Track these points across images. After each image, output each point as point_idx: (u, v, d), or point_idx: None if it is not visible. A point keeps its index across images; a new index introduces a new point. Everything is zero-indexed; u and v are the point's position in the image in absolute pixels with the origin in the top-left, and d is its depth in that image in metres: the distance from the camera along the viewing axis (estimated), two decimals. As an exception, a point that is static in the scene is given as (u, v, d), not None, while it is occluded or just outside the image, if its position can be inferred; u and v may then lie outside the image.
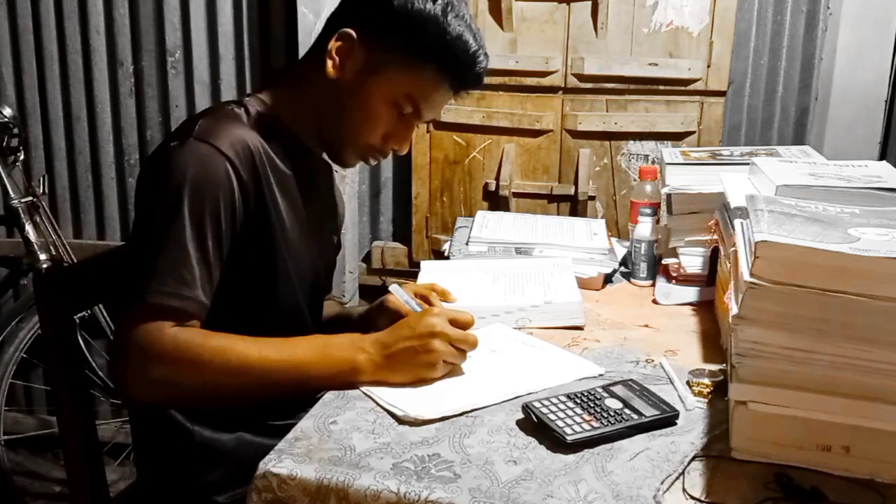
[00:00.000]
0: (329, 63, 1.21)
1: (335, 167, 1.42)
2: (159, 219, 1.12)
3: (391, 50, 1.20)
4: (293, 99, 1.27)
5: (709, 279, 1.51)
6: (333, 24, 1.24)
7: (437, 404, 1.06)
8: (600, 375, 1.16)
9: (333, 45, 1.20)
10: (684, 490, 0.89)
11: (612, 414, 1.01)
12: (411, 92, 1.22)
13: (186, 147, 1.13)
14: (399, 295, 1.26)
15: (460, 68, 1.22)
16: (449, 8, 1.18)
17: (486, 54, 1.23)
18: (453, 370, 1.14)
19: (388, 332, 1.15)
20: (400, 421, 1.03)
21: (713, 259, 1.47)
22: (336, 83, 1.21)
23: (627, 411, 1.02)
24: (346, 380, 1.12)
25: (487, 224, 1.78)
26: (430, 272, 1.52)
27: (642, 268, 1.60)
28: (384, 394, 1.09)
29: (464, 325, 1.16)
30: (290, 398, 1.20)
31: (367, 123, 1.24)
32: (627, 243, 1.70)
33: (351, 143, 1.26)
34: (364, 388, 1.11)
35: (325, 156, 1.34)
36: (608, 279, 1.61)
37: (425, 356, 1.11)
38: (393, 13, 1.18)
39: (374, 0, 1.20)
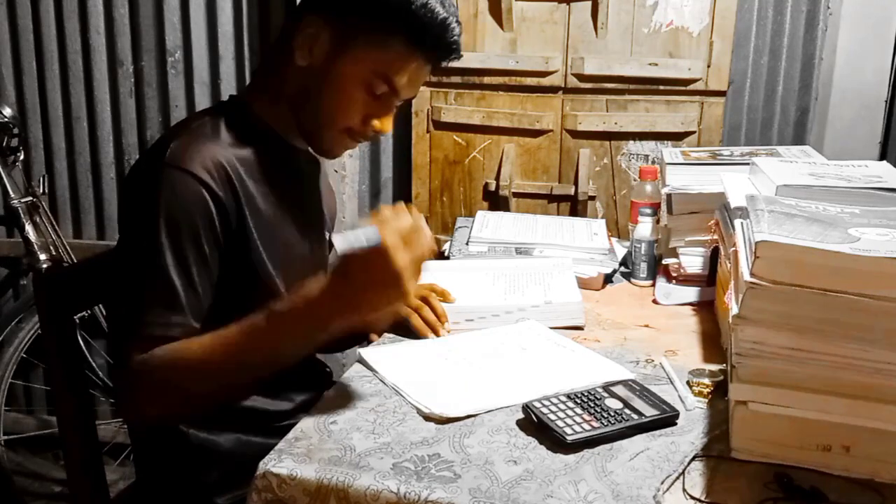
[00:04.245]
0: (297, 53, 1.19)
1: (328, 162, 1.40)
2: (140, 252, 1.10)
3: (356, 27, 1.17)
4: (270, 95, 1.24)
5: (709, 279, 1.51)
6: (298, 11, 1.22)
7: (463, 402, 1.06)
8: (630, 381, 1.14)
9: (299, 33, 1.18)
10: (684, 490, 0.89)
11: (612, 414, 1.01)
12: (382, 68, 1.18)
13: (159, 174, 1.11)
14: (345, 243, 1.04)
15: (430, 38, 1.18)
16: None
17: (458, 22, 1.20)
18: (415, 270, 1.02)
19: (335, 269, 1.03)
20: (426, 418, 1.03)
21: (713, 259, 1.47)
22: (307, 70, 1.19)
23: (627, 411, 1.02)
24: (317, 318, 1.02)
25: (487, 224, 1.78)
26: (430, 272, 1.52)
27: (642, 268, 1.60)
28: (411, 390, 1.09)
29: (413, 230, 1.02)
30: (279, 365, 1.10)
31: (342, 106, 1.20)
32: (627, 243, 1.70)
33: (329, 127, 1.22)
34: (391, 383, 1.12)
35: (310, 150, 1.32)
36: (608, 279, 1.61)
37: (389, 274, 0.98)
38: None
39: None
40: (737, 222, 1.13)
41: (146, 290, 1.09)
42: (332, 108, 1.21)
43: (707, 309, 1.45)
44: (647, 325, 1.39)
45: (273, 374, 1.13)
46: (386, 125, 1.24)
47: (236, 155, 1.18)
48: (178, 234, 1.10)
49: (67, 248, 2.34)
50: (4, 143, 2.26)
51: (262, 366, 1.10)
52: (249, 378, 1.14)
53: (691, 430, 1.02)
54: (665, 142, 2.13)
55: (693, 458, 0.95)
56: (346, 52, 1.18)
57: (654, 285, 1.58)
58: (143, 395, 1.09)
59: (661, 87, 2.11)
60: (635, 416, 1.01)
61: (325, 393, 1.12)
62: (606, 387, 1.08)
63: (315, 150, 1.29)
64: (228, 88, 2.43)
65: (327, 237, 1.45)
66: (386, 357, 1.22)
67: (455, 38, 1.20)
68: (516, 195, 2.24)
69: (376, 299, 1.02)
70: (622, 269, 1.67)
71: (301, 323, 1.05)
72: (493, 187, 2.23)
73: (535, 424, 1.01)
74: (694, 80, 2.09)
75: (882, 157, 2.16)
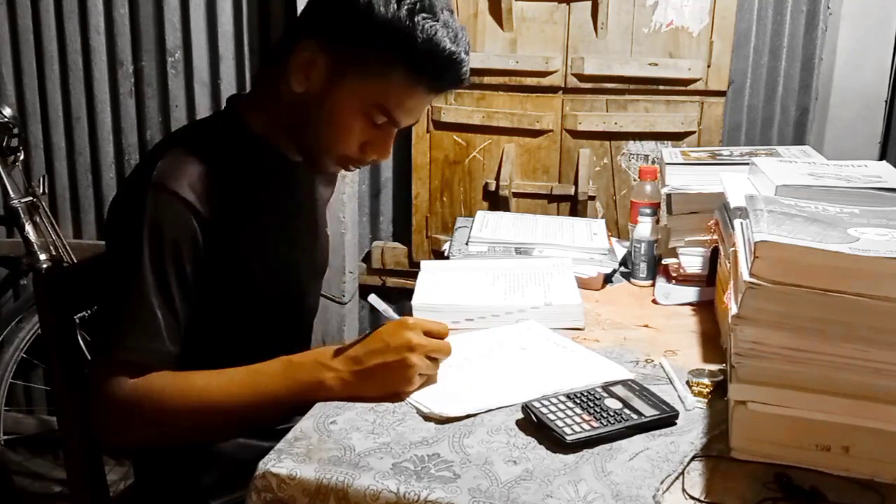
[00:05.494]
0: (293, 78, 1.15)
1: None
2: (122, 271, 1.10)
3: (355, 57, 1.13)
4: (267, 113, 1.22)
5: (709, 279, 1.51)
6: (296, 31, 1.18)
7: (462, 402, 1.06)
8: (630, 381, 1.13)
9: (295, 57, 1.15)
10: (684, 490, 0.89)
11: (611, 414, 1.01)
12: (381, 100, 1.14)
13: (147, 196, 1.10)
14: (376, 304, 1.20)
15: (436, 70, 1.14)
16: (417, 8, 1.10)
17: (466, 51, 1.15)
18: (427, 380, 1.11)
19: (360, 346, 1.10)
20: (426, 418, 1.03)
21: (713, 259, 1.47)
22: (305, 95, 1.16)
23: (627, 411, 1.02)
24: (315, 399, 1.08)
25: (487, 224, 1.78)
26: (430, 272, 1.52)
27: (642, 268, 1.60)
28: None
29: (438, 335, 1.11)
30: (265, 426, 1.16)
31: (339, 134, 1.17)
32: (627, 243, 1.70)
33: (326, 153, 1.20)
34: None
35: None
36: (608, 279, 1.61)
37: (401, 371, 1.07)
38: (354, 19, 1.11)
39: (335, 6, 1.14)
40: (736, 222, 1.13)
41: (126, 312, 1.09)
42: (329, 136, 1.18)
43: (707, 309, 1.45)
44: (646, 325, 1.39)
45: (250, 428, 1.17)
46: (384, 153, 1.21)
47: (229, 170, 1.17)
48: (162, 257, 1.09)
49: (67, 248, 2.34)
50: (4, 143, 2.26)
51: (247, 420, 1.12)
52: (228, 428, 1.15)
53: (691, 430, 1.02)
54: (665, 142, 2.13)
55: (692, 458, 0.95)
56: (344, 81, 1.14)
57: (653, 285, 1.58)
58: (116, 422, 1.09)
59: (661, 87, 2.11)
60: (635, 416, 1.01)
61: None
62: (606, 387, 1.08)
63: (309, 167, 1.26)
64: (228, 88, 2.42)
65: (324, 233, 1.45)
66: None
67: (463, 71, 1.16)
68: (516, 195, 2.24)
69: (380, 392, 1.08)
70: (622, 269, 1.67)
71: (300, 394, 1.09)
72: (493, 187, 2.23)
73: (534, 424, 1.01)
74: (694, 80, 2.09)
75: (882, 157, 2.16)
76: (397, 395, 1.08)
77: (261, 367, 1.11)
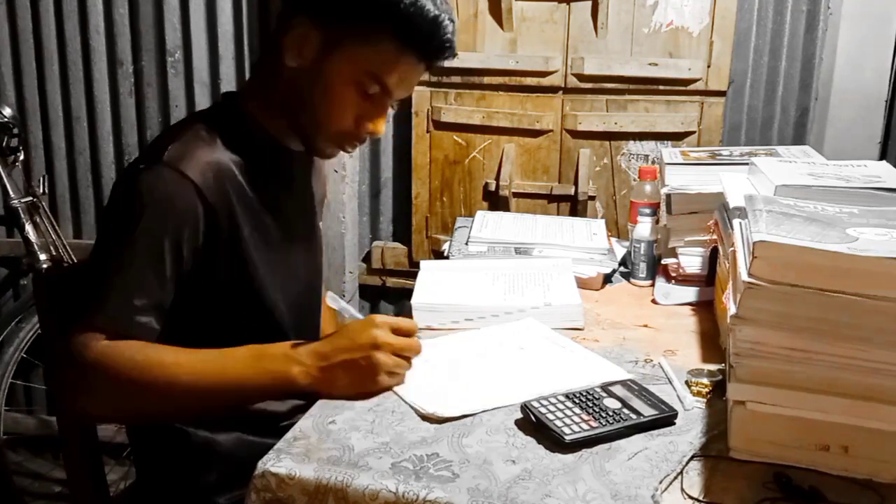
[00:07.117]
0: (287, 54, 1.17)
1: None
2: (118, 239, 1.10)
3: (344, 26, 1.14)
4: (264, 98, 1.23)
5: (708, 279, 1.51)
6: (288, 12, 1.19)
7: (460, 401, 1.06)
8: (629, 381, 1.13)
9: (288, 35, 1.16)
10: (683, 490, 0.90)
11: (610, 414, 1.01)
12: (372, 68, 1.15)
13: (154, 171, 1.10)
14: (335, 304, 1.20)
15: (422, 37, 1.15)
16: None
17: (451, 20, 1.16)
18: (398, 379, 1.10)
19: (327, 341, 1.10)
20: (424, 418, 1.03)
21: (712, 259, 1.48)
22: (298, 72, 1.17)
23: (626, 411, 1.02)
24: (282, 392, 1.08)
25: (487, 224, 1.78)
26: (430, 272, 1.52)
27: (642, 268, 1.60)
28: (406, 391, 1.09)
29: (407, 333, 1.11)
30: (229, 412, 1.15)
31: (334, 108, 1.18)
32: (627, 243, 1.70)
33: (323, 130, 1.20)
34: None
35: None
36: (608, 279, 1.61)
37: (366, 369, 1.07)
38: None
39: None
40: (735, 222, 1.13)
41: (113, 277, 1.08)
42: (324, 110, 1.18)
43: (706, 309, 1.45)
44: (646, 325, 1.39)
45: (212, 411, 1.16)
46: (379, 127, 1.21)
47: (232, 160, 1.17)
48: (162, 231, 1.09)
49: (67, 248, 2.34)
50: (4, 143, 2.26)
51: (209, 401, 1.11)
52: (189, 407, 1.13)
53: (690, 429, 1.02)
54: (665, 142, 2.13)
55: (691, 458, 0.95)
56: (336, 52, 1.15)
57: (653, 285, 1.58)
58: (79, 385, 1.07)
59: (661, 87, 2.11)
60: (634, 416, 1.01)
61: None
62: (605, 387, 1.08)
63: (309, 152, 1.27)
64: (228, 88, 2.41)
65: (319, 227, 1.45)
66: None
67: (447, 36, 1.17)
68: (516, 195, 2.24)
69: (347, 390, 1.08)
70: (621, 268, 1.67)
71: (265, 383, 1.09)
72: (493, 187, 2.23)
73: (533, 424, 1.01)
74: (694, 80, 2.09)
75: (882, 157, 2.16)
76: (363, 394, 1.08)
77: (231, 352, 1.11)
